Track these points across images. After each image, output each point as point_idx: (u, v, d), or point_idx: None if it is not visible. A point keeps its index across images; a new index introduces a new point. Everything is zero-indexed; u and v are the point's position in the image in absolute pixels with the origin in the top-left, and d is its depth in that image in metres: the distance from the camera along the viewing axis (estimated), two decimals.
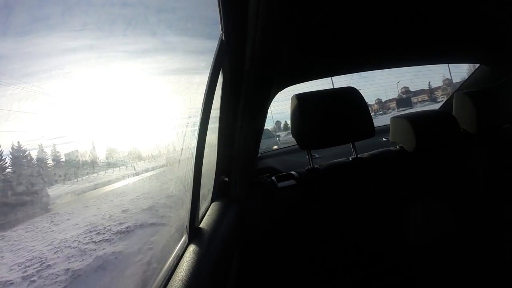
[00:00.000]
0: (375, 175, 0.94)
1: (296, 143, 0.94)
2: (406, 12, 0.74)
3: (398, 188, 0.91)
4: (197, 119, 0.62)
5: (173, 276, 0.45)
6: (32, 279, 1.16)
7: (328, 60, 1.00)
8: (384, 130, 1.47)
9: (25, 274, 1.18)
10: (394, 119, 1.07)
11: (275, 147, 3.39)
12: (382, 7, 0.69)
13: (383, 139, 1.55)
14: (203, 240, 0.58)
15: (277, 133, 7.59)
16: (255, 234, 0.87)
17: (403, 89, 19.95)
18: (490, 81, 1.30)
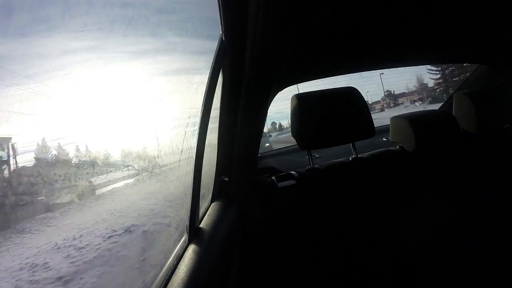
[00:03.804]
0: (375, 175, 0.94)
1: (295, 143, 0.94)
2: (406, 12, 0.74)
3: (398, 188, 0.91)
4: (197, 119, 0.62)
5: (173, 276, 0.45)
6: None
7: (328, 60, 1.00)
8: (384, 130, 1.47)
9: None
10: (394, 119, 1.07)
11: (267, 144, 3.45)
12: (382, 7, 0.69)
13: (383, 139, 1.55)
14: (203, 240, 0.58)
15: (269, 134, 7.61)
16: (255, 234, 0.87)
17: (387, 93, 20.08)
18: (490, 81, 1.30)
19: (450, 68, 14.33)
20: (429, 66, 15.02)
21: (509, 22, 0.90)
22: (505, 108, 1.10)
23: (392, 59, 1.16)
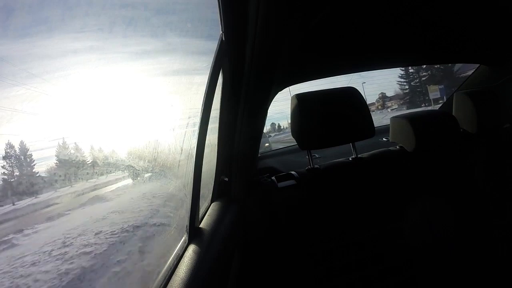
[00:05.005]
0: (375, 175, 0.94)
1: (295, 143, 0.94)
2: (406, 12, 0.74)
3: (398, 188, 0.91)
4: (197, 119, 0.63)
5: (173, 276, 0.45)
6: None
7: (328, 60, 1.00)
8: (384, 130, 1.47)
9: None
10: (394, 119, 1.07)
11: (266, 144, 3.46)
12: (382, 7, 0.69)
13: (383, 139, 1.55)
14: (203, 240, 0.58)
15: (269, 135, 7.70)
16: (255, 234, 0.87)
17: (381, 95, 21.11)
18: (490, 81, 1.30)
19: (415, 81, 17.51)
20: (398, 78, 17.94)
21: (509, 22, 0.90)
22: (505, 108, 1.10)
23: (392, 59, 1.16)
